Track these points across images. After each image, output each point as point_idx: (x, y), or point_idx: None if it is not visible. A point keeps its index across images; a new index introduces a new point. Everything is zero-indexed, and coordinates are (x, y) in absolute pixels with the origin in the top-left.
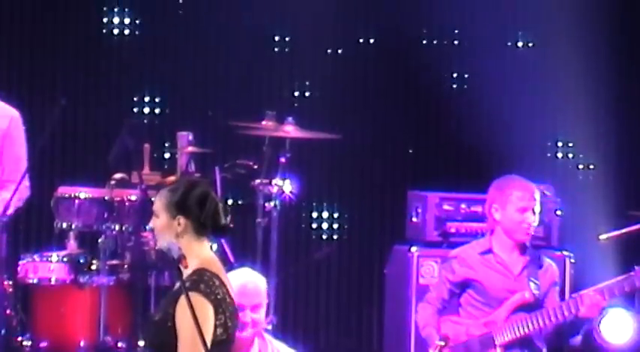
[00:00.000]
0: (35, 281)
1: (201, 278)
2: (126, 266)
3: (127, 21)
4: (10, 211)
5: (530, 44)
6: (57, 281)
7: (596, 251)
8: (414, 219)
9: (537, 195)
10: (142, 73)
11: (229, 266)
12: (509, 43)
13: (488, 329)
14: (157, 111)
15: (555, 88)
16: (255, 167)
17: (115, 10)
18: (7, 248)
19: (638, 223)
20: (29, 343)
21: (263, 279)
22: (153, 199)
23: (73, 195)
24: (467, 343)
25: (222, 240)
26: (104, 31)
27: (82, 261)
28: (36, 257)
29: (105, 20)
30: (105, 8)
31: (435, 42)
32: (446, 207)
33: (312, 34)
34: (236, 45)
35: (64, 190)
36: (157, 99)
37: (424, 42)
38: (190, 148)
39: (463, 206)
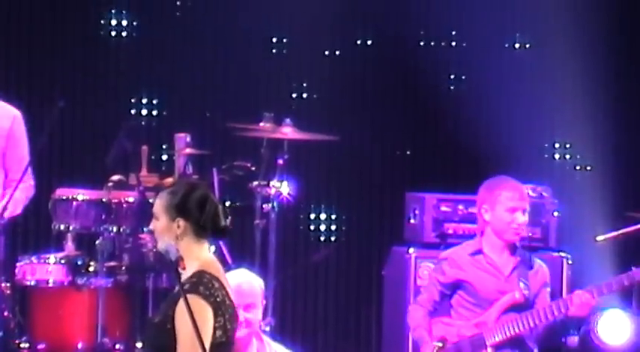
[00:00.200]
0: (33, 283)
1: (200, 280)
2: (124, 268)
3: (124, 23)
4: (19, 211)
5: (527, 45)
6: (55, 283)
7: (593, 252)
8: (412, 221)
9: (527, 196)
10: (139, 74)
11: (227, 268)
12: (506, 45)
13: (479, 330)
14: (154, 112)
15: (553, 89)
16: (253, 169)
17: (113, 11)
18: (4, 250)
19: (635, 224)
20: (27, 345)
21: (259, 280)
22: (151, 201)
23: (70, 197)
24: (458, 344)
25: (221, 242)
26: (102, 32)
27: (79, 262)
28: (34, 259)
29: (103, 22)
30: (103, 10)
31: (432, 43)
32: (443, 208)
33: (309, 35)
34: (233, 46)
35: (61, 192)
36: (154, 101)
37: (422, 43)
38: (188, 150)
39: (461, 207)
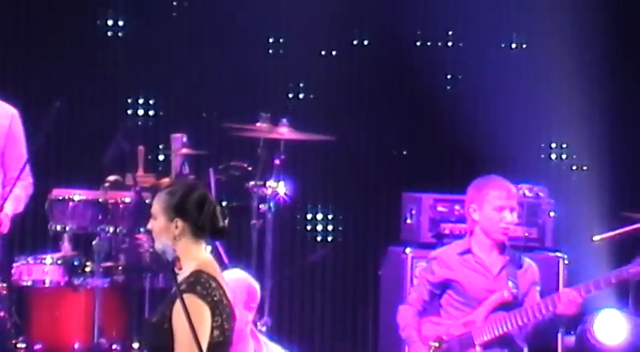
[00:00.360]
0: (29, 283)
1: (198, 280)
2: (120, 268)
3: (120, 23)
4: (21, 209)
5: (523, 45)
6: (51, 283)
7: (590, 252)
8: (409, 221)
9: (515, 195)
10: (136, 74)
11: (223, 268)
12: (502, 45)
13: (467, 329)
14: (151, 113)
15: (549, 89)
16: (250, 169)
17: (110, 11)
18: (1, 250)
19: (631, 224)
20: (24, 345)
21: (249, 279)
22: (147, 201)
23: (67, 197)
24: (447, 343)
25: (217, 242)
26: (98, 32)
27: (76, 263)
28: (30, 259)
29: (99, 22)
30: (99, 10)
31: (428, 44)
32: (440, 208)
33: (306, 35)
34: (230, 46)
35: (58, 192)
36: (151, 101)
37: (418, 44)
38: (184, 150)
39: (457, 207)
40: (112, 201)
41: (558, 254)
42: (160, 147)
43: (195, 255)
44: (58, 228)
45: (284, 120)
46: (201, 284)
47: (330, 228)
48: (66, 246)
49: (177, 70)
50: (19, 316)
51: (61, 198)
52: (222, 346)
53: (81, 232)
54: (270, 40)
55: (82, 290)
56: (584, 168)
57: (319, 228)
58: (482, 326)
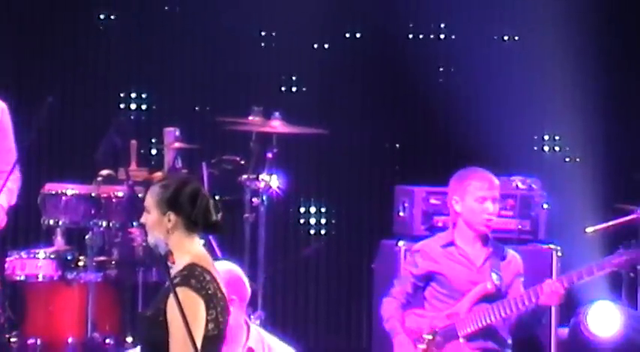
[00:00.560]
0: (22, 278)
1: (192, 273)
2: (113, 262)
3: (113, 17)
4: (14, 201)
5: (515, 38)
6: (44, 278)
7: (583, 244)
8: (401, 214)
9: (497, 186)
10: (128, 69)
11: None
12: (495, 37)
13: (451, 321)
14: (143, 107)
15: (542, 81)
16: (242, 162)
17: (102, 6)
18: None
19: (624, 216)
20: (17, 340)
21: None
22: (140, 195)
23: (60, 192)
24: (440, 336)
25: (210, 236)
26: (91, 27)
27: (69, 257)
28: (23, 254)
29: (91, 16)
30: (92, 5)
31: (421, 36)
32: (433, 201)
33: (298, 29)
34: (222, 40)
35: (51, 187)
36: (143, 95)
37: (410, 36)
38: (177, 144)
39: None
40: (105, 195)
41: (551, 246)
42: (153, 141)
43: (189, 249)
44: (51, 222)
45: (276, 114)
46: (196, 277)
47: (323, 221)
48: (59, 241)
49: (169, 64)
50: (13, 311)
51: (53, 192)
52: (217, 339)
53: (74, 227)
54: (263, 34)
55: (75, 285)
56: (577, 160)
57: (312, 221)
58: (465, 318)
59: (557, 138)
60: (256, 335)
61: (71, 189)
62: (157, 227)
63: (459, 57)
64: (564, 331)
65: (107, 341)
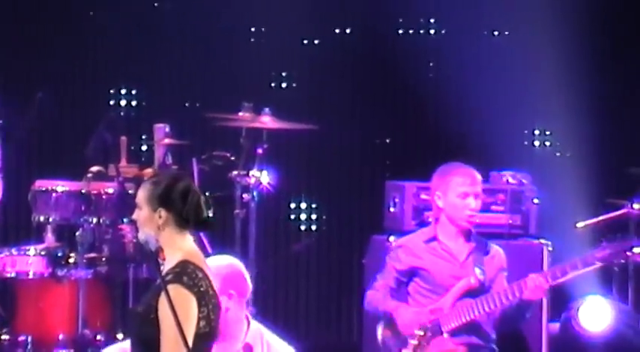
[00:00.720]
0: (13, 275)
1: (184, 270)
2: (104, 259)
3: (102, 13)
4: None
5: (506, 32)
6: (35, 274)
7: (573, 239)
8: (392, 209)
9: (479, 181)
10: (118, 65)
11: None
12: (485, 32)
13: (435, 317)
14: (133, 103)
15: (532, 76)
16: (233, 158)
17: (92, 2)
18: None
19: (615, 210)
20: (8, 337)
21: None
22: (130, 192)
23: (50, 189)
24: (430, 331)
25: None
26: (80, 23)
27: (59, 254)
28: (13, 251)
29: (81, 12)
30: (82, 1)
31: (411, 32)
32: (423, 196)
33: (288, 24)
34: (212, 36)
35: (41, 183)
36: (133, 92)
37: (400, 32)
38: (167, 140)
39: None
40: (95, 191)
41: (542, 241)
42: (143, 137)
43: (180, 245)
44: (42, 219)
45: (266, 110)
46: (188, 274)
47: (313, 217)
48: (49, 237)
49: (159, 61)
50: (3, 308)
51: (44, 189)
52: (208, 337)
53: (64, 223)
54: (252, 30)
55: (65, 282)
56: (568, 154)
57: (303, 217)
58: (449, 313)
59: (547, 132)
60: (256, 331)
61: (61, 186)
62: (148, 223)
63: (449, 52)
64: (555, 326)
65: (98, 337)
